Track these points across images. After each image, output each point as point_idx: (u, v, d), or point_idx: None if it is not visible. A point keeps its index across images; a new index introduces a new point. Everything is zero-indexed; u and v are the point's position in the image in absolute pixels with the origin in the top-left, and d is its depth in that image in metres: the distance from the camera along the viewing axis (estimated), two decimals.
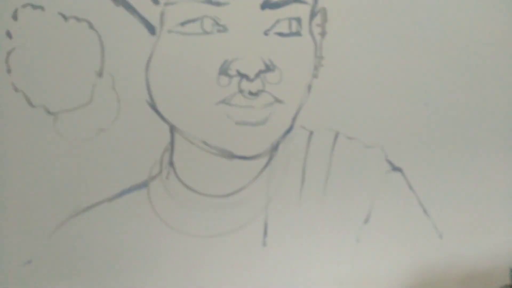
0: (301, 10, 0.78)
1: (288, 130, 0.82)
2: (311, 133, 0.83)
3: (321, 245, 0.86)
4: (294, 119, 0.82)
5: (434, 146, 0.88)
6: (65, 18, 0.71)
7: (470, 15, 0.86)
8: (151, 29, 0.74)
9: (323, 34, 0.81)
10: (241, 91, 0.77)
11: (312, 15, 0.79)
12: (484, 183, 0.92)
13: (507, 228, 0.95)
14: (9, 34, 0.70)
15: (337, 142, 0.84)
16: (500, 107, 0.91)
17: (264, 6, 0.76)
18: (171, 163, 0.79)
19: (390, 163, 0.87)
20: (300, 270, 0.86)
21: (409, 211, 0.89)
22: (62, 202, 0.76)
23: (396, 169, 0.87)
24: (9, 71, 0.71)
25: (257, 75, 0.77)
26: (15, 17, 0.69)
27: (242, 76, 0.76)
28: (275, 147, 0.82)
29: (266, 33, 0.77)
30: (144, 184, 0.78)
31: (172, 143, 0.78)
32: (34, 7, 0.70)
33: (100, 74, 0.73)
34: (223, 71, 0.76)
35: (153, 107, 0.76)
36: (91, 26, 0.72)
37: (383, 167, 0.87)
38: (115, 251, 0.79)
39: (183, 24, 0.74)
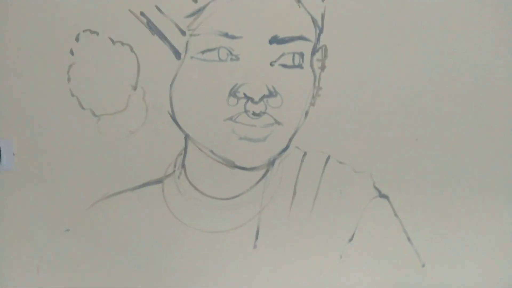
0: (304, 46, 0.90)
1: (285, 149, 0.93)
2: (305, 153, 0.93)
3: (307, 255, 0.95)
4: (290, 139, 0.93)
5: (421, 177, 0.93)
6: (113, 42, 0.90)
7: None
8: (178, 54, 0.91)
9: (322, 68, 0.92)
10: (246, 111, 0.90)
11: (314, 51, 0.91)
12: (469, 215, 0.94)
13: (489, 260, 0.95)
14: (72, 52, 0.91)
15: (328, 164, 0.93)
16: (486, 144, 0.93)
17: (272, 41, 0.89)
18: (183, 165, 0.94)
19: (377, 189, 0.94)
20: (285, 275, 0.95)
21: (393, 237, 0.94)
22: (97, 186, 0.95)
23: (382, 195, 0.94)
24: (69, 80, 0.91)
25: (261, 99, 0.90)
26: (77, 39, 0.90)
27: (248, 98, 0.90)
28: (271, 162, 0.94)
29: (272, 64, 0.90)
30: (160, 180, 0.94)
31: (185, 149, 0.94)
32: (92, 32, 0.90)
33: (135, 87, 0.92)
34: (233, 93, 0.90)
35: (173, 117, 0.93)
36: (131, 49, 0.91)
37: (370, 193, 0.94)
38: (132, 231, 0.95)
39: (203, 52, 0.90)
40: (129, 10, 0.89)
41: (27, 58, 0.90)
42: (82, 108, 0.92)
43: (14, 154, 0.93)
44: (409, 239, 0.94)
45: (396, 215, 0.93)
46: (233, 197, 0.94)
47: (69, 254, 0.94)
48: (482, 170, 0.93)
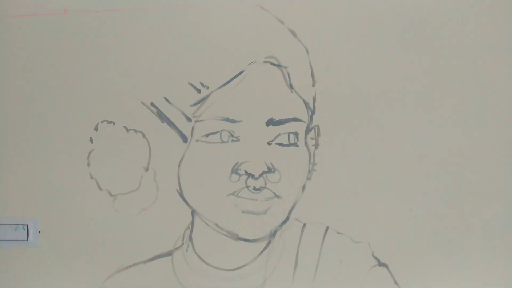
0: (299, 127, 0.98)
1: (285, 221, 0.99)
2: (304, 225, 0.99)
3: None
4: (290, 212, 0.98)
5: (419, 245, 0.96)
6: (127, 129, 1.01)
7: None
8: (184, 138, 1.00)
9: (316, 145, 0.99)
10: (247, 186, 0.97)
11: (307, 130, 0.99)
12: (471, 280, 0.95)
13: None
14: (91, 140, 1.02)
15: (327, 235, 0.98)
16: (485, 208, 0.95)
17: (268, 123, 0.98)
18: (190, 239, 1.01)
19: (376, 258, 0.97)
20: None
21: None
22: (112, 259, 1.02)
23: (382, 264, 0.97)
24: (88, 164, 1.02)
25: (261, 175, 0.97)
26: (96, 128, 1.02)
27: (249, 175, 0.97)
28: (273, 234, 0.99)
29: (269, 143, 0.98)
30: (169, 253, 1.01)
31: (192, 223, 1.01)
32: (109, 122, 1.01)
33: (146, 169, 1.01)
34: (234, 170, 0.98)
35: (181, 195, 1.01)
36: (144, 135, 1.01)
37: (369, 262, 0.97)
38: None
39: (207, 135, 0.99)
40: (141, 101, 1.00)
41: (51, 146, 1.02)
42: (100, 189, 1.01)
43: (39, 232, 1.02)
44: None
45: (396, 283, 0.96)
46: (238, 268, 0.99)
47: None
48: (481, 236, 0.95)
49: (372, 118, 0.97)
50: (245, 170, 0.96)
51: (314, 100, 0.98)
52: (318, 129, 0.98)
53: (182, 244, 1.00)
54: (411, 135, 0.96)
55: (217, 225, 0.98)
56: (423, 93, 0.97)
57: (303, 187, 0.98)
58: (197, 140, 0.98)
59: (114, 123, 1.01)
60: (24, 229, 1.02)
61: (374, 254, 0.96)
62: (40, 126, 1.02)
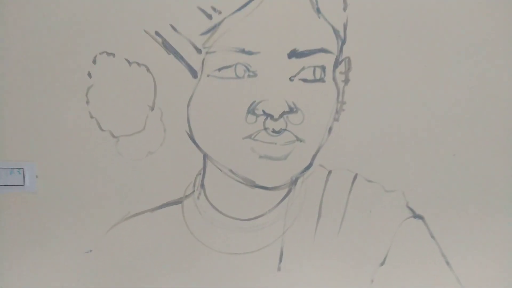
0: (326, 59, 0.84)
1: (308, 167, 0.87)
2: (330, 172, 0.87)
3: (334, 280, 0.88)
4: (313, 157, 0.87)
5: (460, 195, 0.84)
6: (129, 63, 0.88)
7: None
8: (194, 73, 0.87)
9: (346, 81, 0.85)
10: (265, 128, 0.85)
11: (336, 63, 0.84)
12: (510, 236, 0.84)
13: None
14: (89, 74, 0.89)
15: (355, 183, 0.86)
16: None
17: (291, 55, 0.84)
18: (202, 186, 0.90)
19: (411, 209, 0.86)
20: None
21: (430, 261, 0.86)
22: (117, 207, 0.93)
23: (417, 216, 0.86)
24: (88, 102, 0.90)
25: (281, 115, 0.84)
26: (94, 61, 0.89)
27: (267, 115, 0.85)
28: (294, 182, 0.88)
29: (291, 79, 0.85)
30: (179, 201, 0.91)
31: (204, 168, 0.90)
32: (108, 54, 0.88)
33: (152, 108, 0.89)
34: (251, 110, 0.85)
35: (191, 137, 0.89)
36: (148, 69, 0.88)
37: (403, 213, 0.86)
38: (152, 252, 0.92)
39: (219, 69, 0.86)
40: (144, 30, 0.86)
41: (46, 82, 0.90)
42: (101, 129, 0.90)
43: (37, 177, 0.92)
44: (447, 263, 0.85)
45: (432, 236, 0.85)
46: (255, 218, 0.89)
47: (91, 274, 0.93)
48: None
49: (411, 50, 0.82)
50: (263, 110, 0.84)
51: (345, 27, 0.83)
52: (349, 62, 0.84)
53: (194, 191, 0.89)
54: (454, 72, 0.82)
55: (231, 171, 0.87)
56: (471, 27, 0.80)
57: (330, 129, 0.85)
58: (208, 75, 0.85)
59: (114, 55, 0.88)
60: (20, 173, 0.93)
61: (408, 204, 0.85)
62: (30, 61, 0.89)
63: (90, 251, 0.93)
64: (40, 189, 0.92)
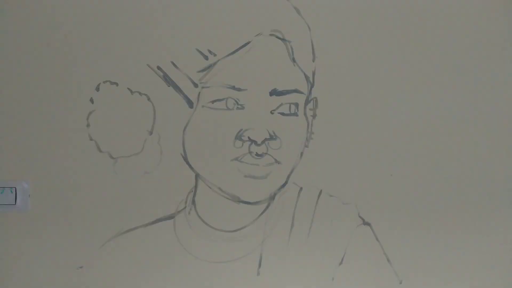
0: (299, 98, 1.04)
1: (283, 185, 1.04)
2: (301, 188, 1.05)
3: (303, 279, 1.05)
4: (288, 176, 1.04)
5: (398, 206, 1.08)
6: (131, 91, 0.98)
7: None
8: (190, 103, 1.00)
9: (314, 116, 1.06)
10: (250, 152, 1.00)
11: (307, 102, 1.05)
12: (440, 237, 1.10)
13: (463, 276, 1.09)
14: (92, 101, 0.97)
15: (320, 198, 1.06)
16: (462, 169, 1.11)
17: (272, 93, 1.02)
18: (193, 202, 1.01)
19: (361, 218, 1.07)
20: None
21: (375, 259, 1.07)
22: (111, 223, 0.98)
23: (366, 223, 1.07)
24: (88, 125, 0.97)
25: (263, 141, 1.01)
26: (97, 89, 0.97)
27: (252, 141, 1.00)
28: (272, 197, 1.04)
29: (272, 112, 1.02)
30: (171, 216, 1.01)
31: (195, 187, 1.01)
32: (111, 83, 0.97)
33: (151, 132, 0.99)
34: (238, 137, 1.01)
35: (185, 159, 1.01)
36: (148, 98, 0.99)
37: (356, 221, 1.07)
38: (144, 265, 0.99)
39: (213, 102, 1.00)
40: (147, 64, 0.97)
41: (47, 104, 0.95)
42: (100, 151, 0.97)
43: (29, 196, 0.95)
44: (388, 260, 1.07)
45: (377, 239, 1.07)
46: (239, 229, 1.02)
47: None
48: (454, 192, 1.09)
49: (366, 95, 1.06)
50: (248, 137, 1.00)
51: (313, 74, 1.04)
52: (316, 101, 1.05)
53: (185, 207, 1.00)
54: (397, 110, 1.08)
55: (220, 188, 1.00)
56: (418, 73, 1.08)
57: (301, 154, 1.04)
58: (203, 106, 0.99)
59: (117, 84, 0.97)
60: (12, 192, 0.94)
61: (360, 214, 1.06)
62: (35, 83, 0.94)
63: (81, 267, 0.97)
64: (33, 208, 0.94)
